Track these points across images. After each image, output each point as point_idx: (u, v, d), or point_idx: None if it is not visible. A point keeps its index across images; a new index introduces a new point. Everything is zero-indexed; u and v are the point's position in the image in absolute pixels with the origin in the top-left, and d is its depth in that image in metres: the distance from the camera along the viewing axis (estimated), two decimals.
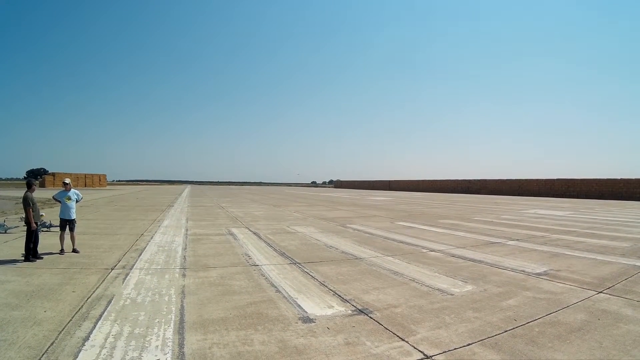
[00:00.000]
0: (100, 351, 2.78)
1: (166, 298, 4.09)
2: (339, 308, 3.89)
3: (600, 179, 36.77)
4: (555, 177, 41.67)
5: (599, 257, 6.70)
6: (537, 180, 43.73)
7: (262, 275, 5.14)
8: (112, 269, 5.33)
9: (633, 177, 33.82)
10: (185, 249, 6.94)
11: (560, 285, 4.92)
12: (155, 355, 2.73)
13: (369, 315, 3.73)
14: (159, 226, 10.21)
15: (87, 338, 3.01)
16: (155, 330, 3.21)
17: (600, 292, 4.59)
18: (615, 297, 4.39)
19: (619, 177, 35.11)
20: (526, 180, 44.98)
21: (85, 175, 63.14)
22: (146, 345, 2.90)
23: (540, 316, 3.78)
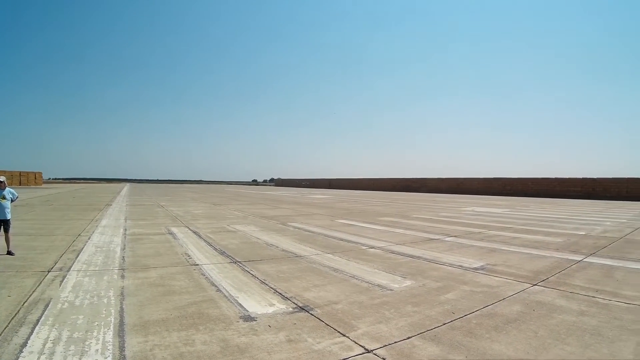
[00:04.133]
0: (39, 357, 2.77)
1: (105, 300, 4.11)
2: (280, 306, 4.08)
3: (535, 178, 40.03)
4: (493, 176, 44.64)
5: (534, 251, 7.40)
6: (475, 179, 46.61)
7: (202, 274, 5.30)
8: (49, 272, 5.28)
9: (566, 177, 37.20)
10: (124, 249, 7.00)
11: (497, 278, 5.40)
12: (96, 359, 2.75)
13: (310, 312, 3.93)
14: (97, 226, 10.22)
15: (24, 344, 2.98)
16: (95, 333, 3.24)
17: (535, 284, 5.10)
18: (549, 289, 4.90)
19: (554, 177, 38.43)
20: (465, 179, 47.78)
21: (20, 173, 59.19)
22: (86, 349, 2.93)
23: (477, 309, 4.15)
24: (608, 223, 12.28)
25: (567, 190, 35.80)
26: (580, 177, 35.95)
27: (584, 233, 9.93)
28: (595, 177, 34.84)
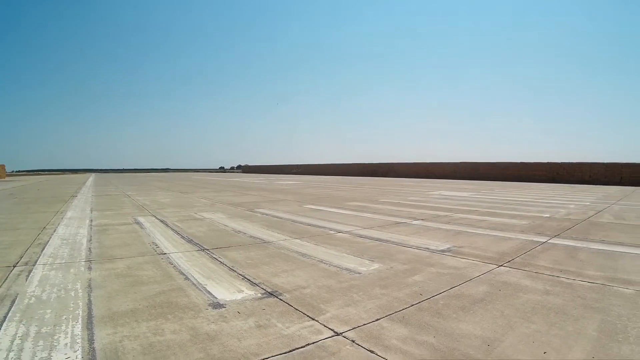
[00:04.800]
0: (8, 355, 2.71)
1: (72, 293, 4.06)
2: (248, 292, 4.11)
3: (501, 163, 41.01)
4: (459, 161, 45.52)
5: (499, 234, 7.60)
6: (442, 163, 47.40)
7: (170, 263, 5.28)
8: (14, 266, 5.13)
9: (532, 161, 38.29)
10: (91, 240, 6.91)
11: (463, 260, 5.53)
12: (65, 354, 2.74)
13: (279, 297, 3.98)
14: (62, 218, 10.04)
15: None
16: (63, 327, 3.20)
17: (501, 265, 5.24)
18: (514, 269, 5.04)
19: (519, 161, 39.48)
20: (432, 163, 48.52)
21: None
22: (55, 344, 2.89)
23: (444, 290, 4.25)
24: (572, 206, 12.72)
25: (532, 174, 36.88)
26: (545, 161, 37.08)
27: (548, 215, 10.25)
28: (559, 161, 36.00)
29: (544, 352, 2.85)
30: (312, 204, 13.55)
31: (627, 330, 3.21)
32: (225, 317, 3.47)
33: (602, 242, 6.75)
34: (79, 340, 2.97)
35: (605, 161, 32.55)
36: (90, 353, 2.79)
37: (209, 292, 4.12)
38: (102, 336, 3.06)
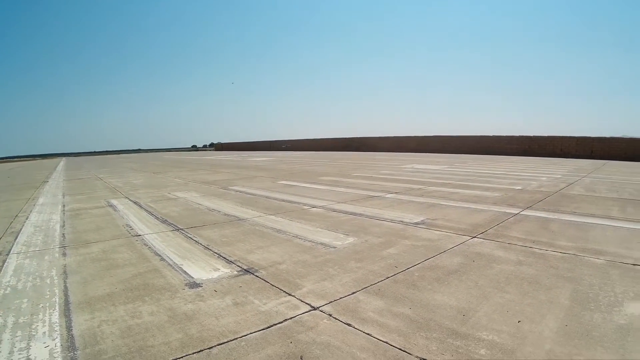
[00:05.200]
0: None
1: (48, 281, 4.04)
2: (224, 270, 4.16)
3: (474, 136, 41.50)
4: (432, 134, 45.88)
5: (472, 206, 7.72)
6: (414, 137, 47.65)
7: (145, 245, 5.29)
8: None
9: (504, 134, 38.88)
10: (64, 226, 6.85)
11: (437, 232, 5.61)
12: (44, 343, 2.72)
13: (255, 274, 4.02)
14: (34, 205, 9.93)
15: None
16: (41, 316, 3.18)
17: (474, 237, 5.33)
18: (488, 240, 5.14)
19: (492, 134, 40.06)
20: (404, 137, 48.74)
21: None
22: (33, 333, 2.88)
23: (419, 262, 4.32)
24: (544, 178, 12.98)
25: (504, 147, 37.47)
26: (517, 134, 37.72)
27: (520, 188, 10.44)
28: (531, 135, 36.67)
29: (518, 321, 2.91)
30: (286, 180, 13.59)
31: (599, 299, 3.31)
32: (202, 296, 3.50)
33: (574, 213, 6.92)
34: (57, 328, 2.97)
35: (576, 135, 33.30)
36: (69, 340, 2.78)
37: (185, 272, 4.14)
38: (80, 322, 3.06)
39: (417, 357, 2.47)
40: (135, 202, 9.32)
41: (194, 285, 3.78)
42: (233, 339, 2.73)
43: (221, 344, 2.67)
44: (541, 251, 4.67)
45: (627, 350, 2.50)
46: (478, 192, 9.64)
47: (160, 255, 4.78)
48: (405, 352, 2.53)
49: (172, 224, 6.61)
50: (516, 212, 7.05)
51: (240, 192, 10.72)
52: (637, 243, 5.00)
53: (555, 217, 6.60)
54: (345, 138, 56.46)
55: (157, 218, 7.19)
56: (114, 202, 9.60)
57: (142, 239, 5.63)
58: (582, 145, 32.25)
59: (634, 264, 4.18)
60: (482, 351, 2.52)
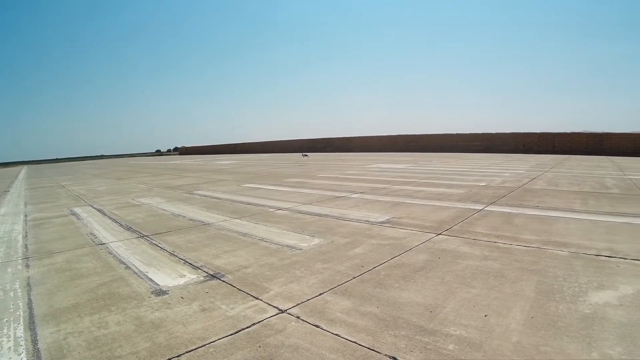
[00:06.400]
0: None
1: (12, 294, 3.93)
2: (190, 276, 4.14)
3: (437, 134, 42.34)
4: (397, 134, 46.52)
5: (437, 203, 7.87)
6: (379, 136, 48.22)
7: (110, 253, 5.22)
8: None
9: (467, 132, 39.84)
10: (26, 236, 6.67)
11: (403, 230, 5.70)
12: (10, 358, 2.67)
13: (221, 279, 4.02)
14: None
15: None
16: (5, 331, 3.09)
17: (440, 234, 5.43)
18: (453, 237, 5.24)
19: (455, 132, 40.96)
20: (369, 137, 49.24)
21: None
22: None
23: (385, 260, 4.38)
24: (507, 174, 13.35)
25: (468, 144, 38.37)
26: (481, 132, 38.69)
27: (484, 184, 10.70)
28: (494, 132, 37.67)
29: (485, 315, 2.98)
30: (251, 183, 13.58)
31: (563, 290, 3.43)
32: (169, 303, 3.48)
33: (537, 207, 7.14)
34: (22, 342, 2.90)
35: (538, 131, 34.44)
36: (35, 354, 2.73)
37: (150, 280, 4.10)
38: (46, 335, 2.99)
39: (386, 355, 2.50)
40: (99, 210, 9.15)
41: (160, 292, 3.74)
42: (201, 346, 2.71)
43: (189, 351, 2.65)
44: (506, 245, 4.80)
45: (592, 339, 2.59)
46: (442, 190, 9.83)
47: (125, 263, 4.72)
48: (374, 350, 2.55)
49: (136, 230, 6.54)
50: (480, 208, 7.22)
51: (206, 196, 10.68)
52: (599, 234, 5.21)
53: (519, 211, 6.79)
54: (312, 139, 56.58)
55: (121, 225, 7.09)
56: (78, 210, 9.40)
57: (107, 247, 5.55)
58: (544, 140, 33.37)
59: (596, 255, 4.34)
60: (451, 346, 2.57)
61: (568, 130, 32.46)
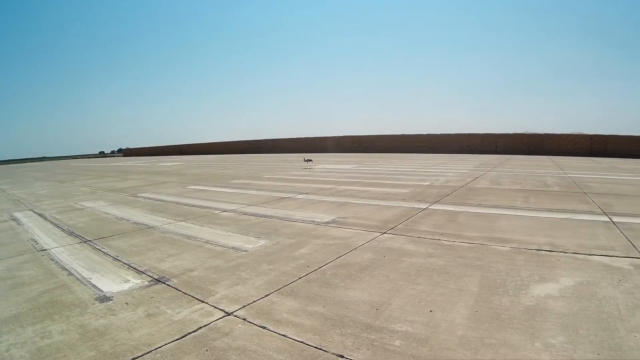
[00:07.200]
0: None
1: None
2: (135, 281, 4.05)
3: (384, 135, 43.18)
4: (342, 134, 47.04)
5: (382, 202, 8.01)
6: (325, 137, 48.62)
7: (52, 259, 5.00)
8: None
9: (412, 133, 40.82)
10: None
11: (348, 230, 5.76)
12: None
13: (166, 283, 3.95)
14: None
15: None
16: None
17: (384, 232, 5.52)
18: (397, 235, 5.35)
19: (400, 133, 41.87)
20: (315, 137, 49.56)
21: None
22: None
23: (331, 260, 4.41)
24: (451, 174, 13.76)
25: (413, 145, 39.36)
26: (425, 133, 39.75)
27: (428, 183, 10.99)
28: (438, 133, 38.81)
29: (430, 311, 3.04)
30: (196, 185, 13.39)
31: (506, 284, 3.55)
32: (114, 310, 3.38)
33: (480, 205, 7.39)
34: None
35: (481, 132, 35.82)
36: None
37: (94, 286, 3.97)
38: None
39: (333, 354, 2.50)
40: (40, 214, 8.74)
41: (104, 299, 3.63)
42: (148, 352, 2.64)
43: (136, 358, 2.58)
44: (450, 242, 4.93)
45: (535, 330, 2.70)
46: (388, 190, 10.02)
47: (68, 270, 4.54)
48: (322, 350, 2.56)
49: (79, 235, 6.30)
50: (425, 206, 7.39)
51: (150, 198, 10.44)
52: (540, 230, 5.46)
53: (463, 209, 7.01)
54: (258, 140, 56.27)
55: (63, 230, 6.81)
56: (18, 215, 8.94)
57: (49, 254, 5.32)
58: (487, 141, 34.70)
59: (537, 249, 4.55)
60: (397, 342, 2.60)
61: (510, 132, 33.92)
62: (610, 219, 6.04)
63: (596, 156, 26.86)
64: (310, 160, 18.01)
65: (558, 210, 6.73)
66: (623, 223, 5.74)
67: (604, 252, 4.40)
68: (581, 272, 3.80)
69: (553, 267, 3.97)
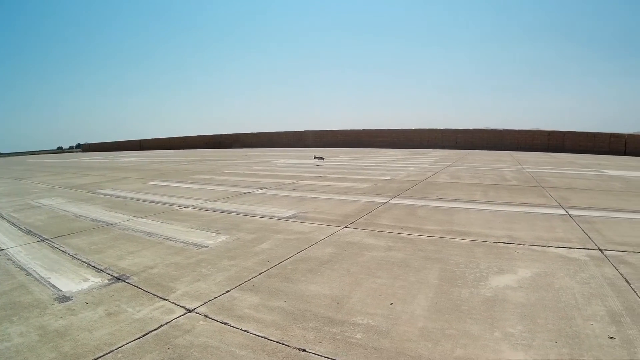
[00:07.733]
0: None
1: None
2: (94, 279, 3.97)
3: (344, 130, 43.42)
4: (303, 129, 47.05)
5: (343, 197, 8.08)
6: (286, 132, 48.53)
7: (9, 259, 4.84)
8: None
9: (373, 128, 41.24)
10: None
11: (309, 225, 5.79)
12: None
13: (127, 281, 3.89)
14: None
15: None
16: None
17: (345, 227, 5.58)
18: (358, 229, 5.41)
19: (362, 129, 42.21)
20: (276, 132, 49.40)
21: None
22: None
23: (292, 255, 4.43)
24: (411, 168, 13.97)
25: (374, 140, 39.74)
26: (386, 128, 40.20)
27: (389, 178, 11.13)
28: (399, 128, 39.31)
29: (391, 303, 3.10)
30: (156, 180, 13.16)
31: (465, 276, 3.65)
32: (73, 309, 3.30)
33: (440, 199, 7.55)
34: None
35: (441, 127, 36.51)
36: None
37: (53, 286, 3.87)
38: None
39: (295, 348, 2.52)
40: None
41: (63, 299, 3.55)
42: (109, 352, 2.60)
43: (97, 358, 2.54)
44: (410, 236, 5.03)
45: (495, 320, 2.79)
46: (349, 184, 10.09)
47: (25, 270, 4.41)
48: (284, 344, 2.57)
49: (37, 234, 6.12)
50: (385, 201, 7.50)
51: (109, 195, 10.19)
52: (498, 223, 5.63)
53: (423, 203, 7.14)
54: (218, 135, 55.61)
55: (20, 229, 6.60)
56: None
57: (6, 253, 5.14)
58: (447, 136, 35.40)
59: (496, 242, 4.68)
60: (359, 335, 2.64)
61: (470, 127, 34.71)
62: (567, 212, 6.27)
63: (554, 152, 27.78)
64: (322, 158, 17.80)
65: (516, 204, 6.95)
66: (579, 216, 5.97)
67: (560, 244, 4.57)
68: (539, 264, 3.94)
69: (511, 258, 4.10)
